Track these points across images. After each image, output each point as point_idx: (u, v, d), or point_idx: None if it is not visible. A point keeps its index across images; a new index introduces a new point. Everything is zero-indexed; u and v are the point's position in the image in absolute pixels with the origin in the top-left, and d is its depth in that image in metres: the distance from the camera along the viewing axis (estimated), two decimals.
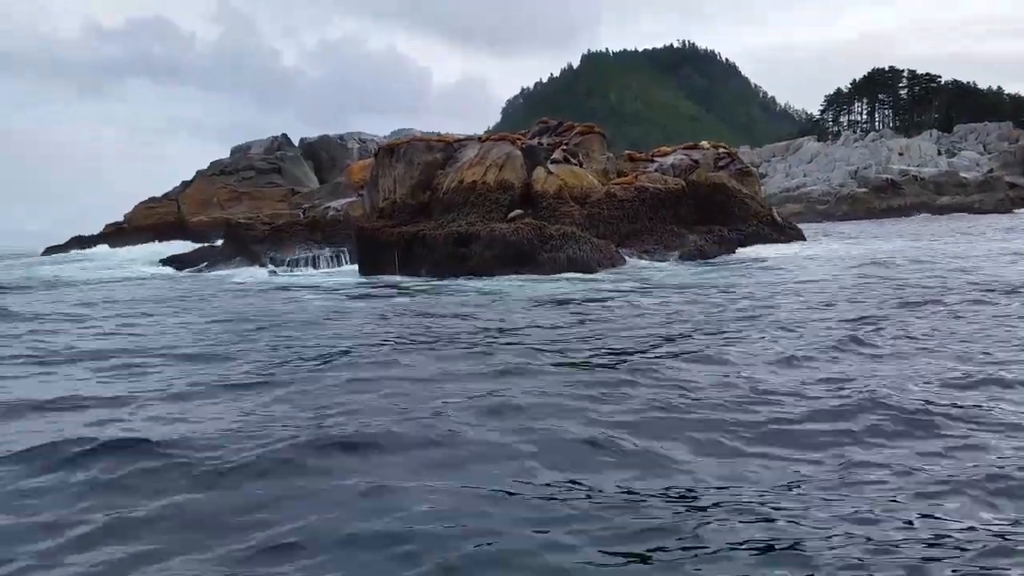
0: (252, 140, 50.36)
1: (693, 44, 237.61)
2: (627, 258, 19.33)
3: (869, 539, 3.16)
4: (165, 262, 28.51)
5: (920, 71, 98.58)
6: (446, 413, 5.07)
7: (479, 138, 24.07)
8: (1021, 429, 4.47)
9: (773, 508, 3.47)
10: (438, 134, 28.48)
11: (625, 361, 6.67)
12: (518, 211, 20.07)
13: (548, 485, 3.78)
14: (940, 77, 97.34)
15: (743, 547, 3.11)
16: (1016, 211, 58.42)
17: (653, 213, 21.75)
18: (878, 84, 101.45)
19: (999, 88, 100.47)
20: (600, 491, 3.70)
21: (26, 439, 4.71)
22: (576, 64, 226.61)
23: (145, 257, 32.12)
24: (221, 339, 9.12)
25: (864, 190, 66.73)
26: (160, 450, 4.33)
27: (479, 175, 21.01)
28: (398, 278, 18.79)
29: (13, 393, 6.25)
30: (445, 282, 16.81)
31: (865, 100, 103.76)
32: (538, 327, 9.13)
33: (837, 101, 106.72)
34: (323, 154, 49.67)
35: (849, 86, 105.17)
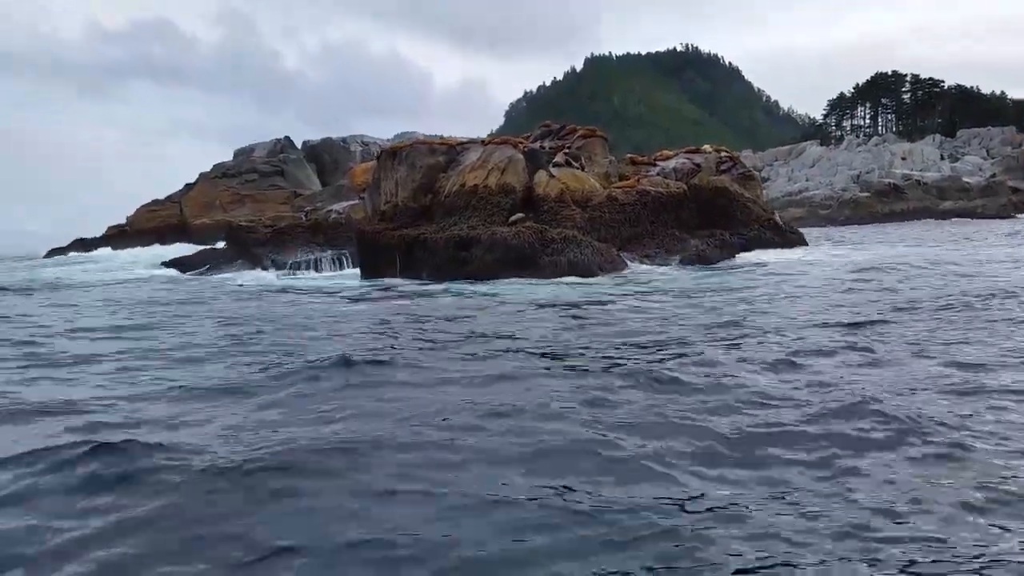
0: (255, 143, 50.44)
1: (696, 48, 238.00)
2: (628, 262, 19.32)
3: (862, 547, 3.16)
4: (167, 265, 28.55)
5: (923, 75, 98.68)
6: (444, 417, 5.07)
7: (481, 141, 24.09)
8: (1013, 438, 4.46)
9: (766, 515, 3.47)
10: (441, 137, 28.52)
11: (624, 365, 6.66)
12: (519, 214, 20.09)
13: (544, 491, 3.78)
14: (943, 82, 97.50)
15: (736, 555, 3.11)
16: (1019, 216, 58.38)
17: (655, 217, 21.74)
18: (881, 88, 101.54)
19: (1002, 93, 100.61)
20: (597, 497, 3.70)
21: (20, 442, 4.72)
22: (579, 67, 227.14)
23: (147, 260, 32.15)
24: (221, 342, 9.13)
25: (867, 195, 66.69)
26: (154, 454, 4.33)
27: (481, 178, 21.03)
28: (399, 281, 18.81)
29: (9, 395, 6.26)
30: (446, 285, 16.82)
31: (868, 104, 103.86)
32: (537, 331, 9.13)
33: (840, 105, 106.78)
34: (326, 157, 49.74)
35: (852, 90, 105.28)
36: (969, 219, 56.18)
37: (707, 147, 27.68)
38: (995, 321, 8.70)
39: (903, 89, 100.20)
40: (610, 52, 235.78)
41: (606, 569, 3.03)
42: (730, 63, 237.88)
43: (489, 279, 17.31)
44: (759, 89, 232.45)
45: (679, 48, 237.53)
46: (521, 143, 23.45)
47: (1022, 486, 3.71)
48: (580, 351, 7.61)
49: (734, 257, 21.21)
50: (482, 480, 3.93)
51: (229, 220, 34.64)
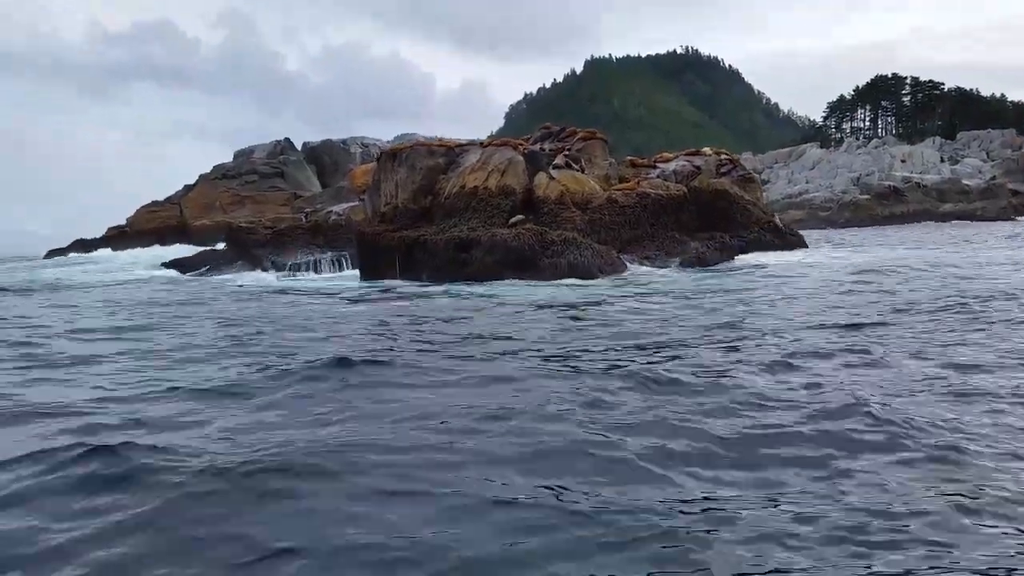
0: (255, 144, 50.48)
1: (696, 50, 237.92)
2: (628, 264, 19.34)
3: (857, 550, 3.17)
4: (167, 266, 28.56)
5: (923, 78, 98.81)
6: (442, 418, 5.08)
7: (481, 143, 24.11)
8: (1009, 441, 4.47)
9: (762, 517, 3.48)
10: (440, 139, 28.52)
11: (622, 366, 6.67)
12: (519, 216, 20.10)
13: (542, 492, 3.79)
14: (943, 84, 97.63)
15: (732, 557, 3.12)
16: (1018, 218, 58.45)
17: (655, 219, 21.75)
18: (881, 91, 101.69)
19: (1002, 95, 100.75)
20: (594, 498, 3.71)
21: (18, 443, 4.73)
22: (579, 70, 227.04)
23: (147, 260, 32.16)
24: (220, 343, 9.15)
25: (866, 197, 66.72)
26: (153, 455, 4.34)
27: (481, 180, 21.04)
28: (399, 283, 18.83)
29: (8, 396, 6.26)
30: (445, 287, 16.83)
31: (868, 107, 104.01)
32: (536, 332, 9.14)
33: (840, 108, 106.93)
34: (326, 158, 49.74)
35: (852, 93, 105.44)
36: (969, 222, 56.22)
37: (707, 149, 27.71)
38: (993, 323, 8.71)
39: (903, 92, 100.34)
40: (610, 54, 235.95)
41: (604, 570, 3.04)
42: (730, 65, 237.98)
43: (489, 281, 17.33)
44: (759, 91, 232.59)
45: (679, 50, 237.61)
46: (521, 145, 23.46)
47: (1017, 489, 3.72)
48: (579, 352, 7.62)
49: (734, 259, 21.23)
50: (480, 481, 3.94)
51: (229, 221, 34.66)
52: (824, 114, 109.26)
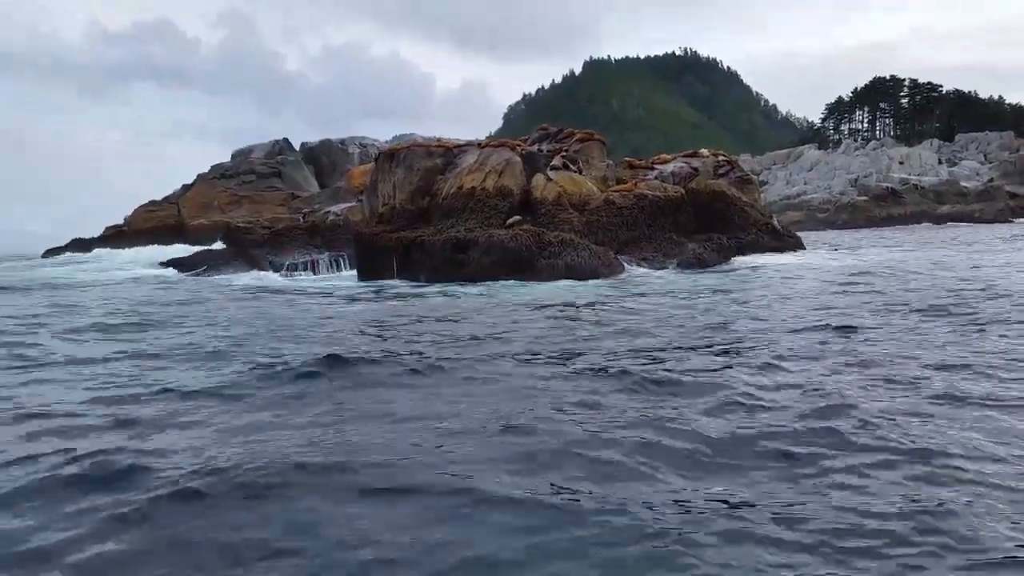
0: (253, 144, 50.45)
1: (695, 52, 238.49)
2: (626, 265, 19.36)
3: (846, 552, 3.18)
4: (164, 265, 28.56)
5: (922, 80, 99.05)
6: (437, 418, 5.09)
7: (479, 144, 24.12)
8: (996, 443, 4.49)
9: (753, 518, 3.50)
10: (438, 139, 28.52)
11: (617, 367, 6.69)
12: (517, 217, 20.11)
13: (536, 492, 3.80)
14: (941, 86, 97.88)
15: (722, 558, 3.14)
16: (1016, 220, 58.54)
17: (652, 221, 21.77)
18: (879, 93, 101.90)
19: (1000, 97, 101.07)
20: (588, 498, 3.72)
21: (11, 444, 4.74)
22: (578, 71, 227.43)
23: (144, 260, 32.15)
24: (217, 342, 9.15)
25: (864, 199, 66.85)
26: (147, 456, 4.35)
27: (478, 181, 21.06)
28: (396, 283, 18.85)
29: (1, 397, 6.26)
30: (442, 287, 16.85)
31: (866, 109, 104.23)
32: (532, 333, 9.16)
33: (838, 109, 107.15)
34: (324, 158, 49.72)
35: (850, 95, 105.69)
36: (966, 224, 56.34)
37: (705, 151, 27.73)
38: (984, 326, 8.73)
39: (901, 93, 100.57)
40: (609, 55, 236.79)
41: (597, 570, 3.05)
42: (729, 67, 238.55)
43: (486, 281, 17.34)
44: (758, 93, 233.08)
45: (678, 52, 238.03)
46: (519, 146, 23.47)
47: (1003, 492, 3.74)
48: (574, 353, 7.64)
49: (731, 260, 21.25)
50: (475, 481, 3.95)
51: (227, 221, 34.69)
52: (822, 116, 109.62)
